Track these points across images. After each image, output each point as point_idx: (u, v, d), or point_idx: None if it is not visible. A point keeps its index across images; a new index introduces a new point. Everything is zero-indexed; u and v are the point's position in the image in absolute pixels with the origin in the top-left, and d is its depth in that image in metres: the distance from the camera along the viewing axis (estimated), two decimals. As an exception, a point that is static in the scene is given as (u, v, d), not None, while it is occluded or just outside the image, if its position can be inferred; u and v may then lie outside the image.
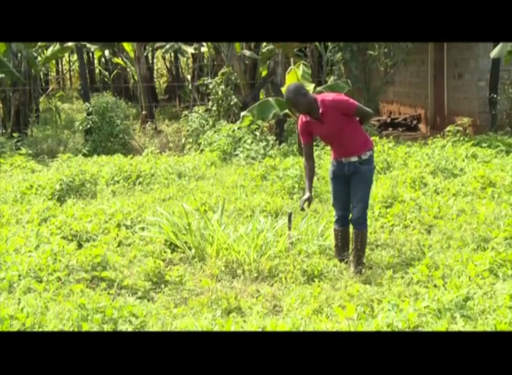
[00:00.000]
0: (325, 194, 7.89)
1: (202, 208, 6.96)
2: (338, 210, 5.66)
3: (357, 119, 5.58)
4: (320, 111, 5.41)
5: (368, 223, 6.55)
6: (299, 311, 4.65)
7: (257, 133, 11.66)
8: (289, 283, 5.24)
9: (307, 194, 5.55)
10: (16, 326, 4.12)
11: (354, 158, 5.46)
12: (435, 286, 4.93)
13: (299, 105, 5.46)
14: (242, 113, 11.71)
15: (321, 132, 5.55)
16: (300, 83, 5.81)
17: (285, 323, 4.25)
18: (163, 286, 5.30)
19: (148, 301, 5.01)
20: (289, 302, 4.82)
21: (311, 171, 5.66)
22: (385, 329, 4.01)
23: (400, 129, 15.49)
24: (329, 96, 5.52)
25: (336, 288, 5.08)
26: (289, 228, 5.79)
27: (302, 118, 5.59)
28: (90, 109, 13.44)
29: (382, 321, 4.08)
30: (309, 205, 5.56)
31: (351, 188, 5.53)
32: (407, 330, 4.02)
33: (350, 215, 5.58)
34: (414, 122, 15.68)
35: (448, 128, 11.54)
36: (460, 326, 4.05)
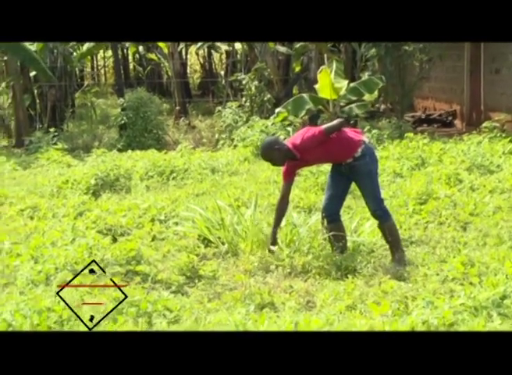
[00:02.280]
0: (357, 191, 7.81)
1: (235, 204, 6.97)
2: (323, 201, 5.80)
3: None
4: (298, 156, 5.54)
5: (403, 219, 6.53)
6: (332, 307, 4.63)
7: (290, 129, 11.63)
8: (322, 279, 5.23)
9: (274, 246, 5.56)
10: (53, 318, 4.18)
11: (349, 160, 5.57)
12: (470, 283, 4.85)
13: (274, 159, 5.62)
14: (277, 109, 11.71)
15: (312, 165, 6.04)
16: (273, 137, 6.09)
17: (318, 318, 4.23)
18: (197, 280, 5.33)
19: (182, 295, 5.04)
20: (322, 298, 4.80)
21: (282, 212, 5.71)
22: (420, 326, 3.97)
23: (435, 125, 15.29)
24: (297, 139, 5.59)
25: (369, 285, 5.05)
26: (323, 224, 5.77)
27: (288, 162, 5.64)
28: (125, 105, 13.55)
29: (417, 318, 4.04)
30: (273, 252, 5.55)
31: (359, 189, 5.72)
32: (443, 327, 3.97)
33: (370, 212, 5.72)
34: (450, 118, 15.47)
35: (484, 124, 11.35)
36: (496, 324, 3.99)
